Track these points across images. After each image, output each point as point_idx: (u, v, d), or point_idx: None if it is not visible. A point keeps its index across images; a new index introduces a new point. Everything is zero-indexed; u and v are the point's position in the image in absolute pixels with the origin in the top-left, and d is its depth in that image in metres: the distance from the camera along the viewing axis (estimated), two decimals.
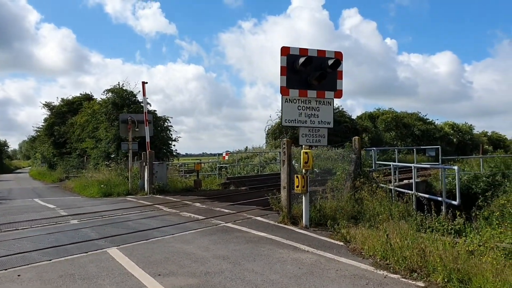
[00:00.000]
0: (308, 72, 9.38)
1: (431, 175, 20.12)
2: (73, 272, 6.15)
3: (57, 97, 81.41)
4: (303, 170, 9.68)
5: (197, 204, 14.01)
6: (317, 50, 9.58)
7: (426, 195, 9.77)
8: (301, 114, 9.60)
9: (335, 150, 25.16)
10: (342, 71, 9.79)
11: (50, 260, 6.90)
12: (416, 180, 17.40)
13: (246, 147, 37.98)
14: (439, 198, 9.26)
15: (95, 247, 7.84)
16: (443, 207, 8.97)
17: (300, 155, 9.85)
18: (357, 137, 13.18)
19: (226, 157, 24.61)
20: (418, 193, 9.90)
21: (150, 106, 28.96)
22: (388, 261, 6.64)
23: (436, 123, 59.15)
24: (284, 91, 9.36)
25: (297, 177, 9.60)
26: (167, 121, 28.64)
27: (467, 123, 64.24)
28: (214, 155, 30.79)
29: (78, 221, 11.08)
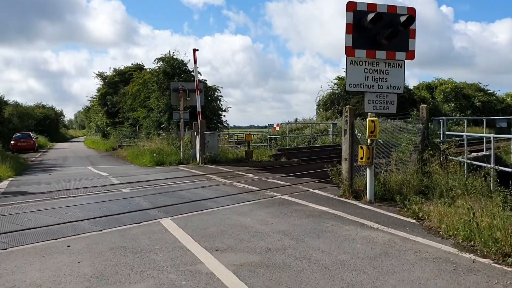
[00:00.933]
0: (377, 30, 8.40)
1: (500, 148, 18.60)
2: (125, 245, 5.74)
3: (109, 67, 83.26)
4: (368, 140, 8.84)
5: (250, 175, 13.49)
6: (387, 5, 8.55)
7: (509, 169, 8.68)
8: (367, 77, 8.68)
9: (391, 122, 23.86)
10: (415, 29, 8.73)
11: (101, 230, 6.56)
12: (484, 153, 16.08)
13: (296, 118, 37.12)
14: None
15: (148, 217, 7.45)
16: None
17: (365, 124, 9.00)
18: (424, 105, 12.07)
19: (277, 128, 23.91)
20: (500, 167, 8.84)
21: (201, 75, 28.64)
22: (473, 243, 5.80)
23: (497, 94, 55.59)
24: (349, 51, 8.45)
25: (361, 148, 8.78)
26: (217, 91, 28.27)
27: None
28: (262, 127, 30.11)
29: (130, 189, 10.84)
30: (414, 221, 7.29)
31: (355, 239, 6.04)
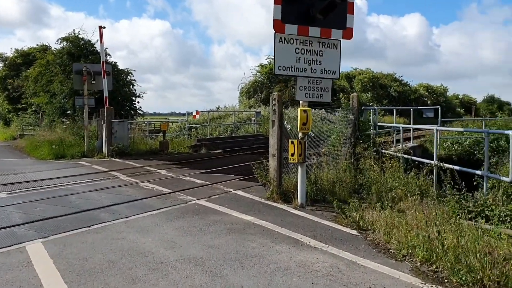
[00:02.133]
0: (311, 2, 6.97)
1: (424, 137, 18.33)
2: None
3: (11, 48, 75.55)
4: (300, 134, 7.46)
5: (163, 172, 11.68)
6: None
7: (457, 167, 7.73)
8: (299, 59, 7.25)
9: (313, 111, 23.11)
10: (353, 3, 7.44)
11: None
12: (412, 145, 15.57)
13: (218, 106, 35.41)
14: (479, 172, 7.22)
15: (11, 240, 5.46)
16: (484, 184, 6.95)
17: (296, 114, 7.63)
18: (355, 94, 11.03)
19: (197, 116, 22.12)
20: (445, 164, 7.89)
21: (111, 57, 25.96)
22: (435, 267, 4.58)
23: (410, 84, 58.08)
24: (278, 26, 6.94)
25: (292, 142, 7.36)
26: (130, 74, 25.75)
27: (442, 85, 63.57)
28: (184, 114, 27.94)
29: (6, 194, 8.61)
30: (355, 232, 6.03)
31: (290, 267, 4.58)
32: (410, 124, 14.76)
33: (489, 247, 4.41)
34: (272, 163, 8.11)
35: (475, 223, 5.26)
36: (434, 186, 8.01)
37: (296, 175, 7.87)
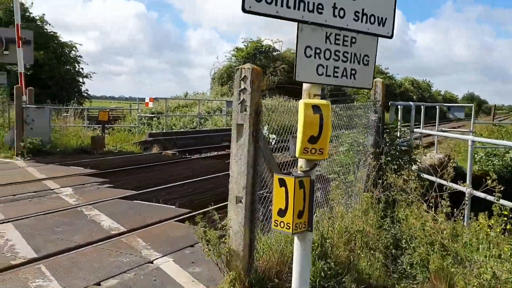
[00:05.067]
0: None
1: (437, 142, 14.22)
2: None
3: None
4: (302, 163, 3.11)
5: (66, 192, 7.25)
6: None
7: None
8: None
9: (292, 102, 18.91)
10: None
11: None
12: (438, 156, 11.51)
13: (186, 93, 30.80)
14: None
15: None
16: None
17: (300, 115, 3.34)
18: (380, 79, 6.83)
19: (150, 104, 17.52)
20: None
21: (51, 25, 21.03)
22: None
23: (396, 78, 55.17)
24: None
25: (281, 182, 2.99)
26: (74, 49, 20.90)
27: (426, 79, 61.25)
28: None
29: None
30: None
31: None
32: (435, 125, 10.62)
33: None
34: (235, 216, 3.75)
35: None
36: None
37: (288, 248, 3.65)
